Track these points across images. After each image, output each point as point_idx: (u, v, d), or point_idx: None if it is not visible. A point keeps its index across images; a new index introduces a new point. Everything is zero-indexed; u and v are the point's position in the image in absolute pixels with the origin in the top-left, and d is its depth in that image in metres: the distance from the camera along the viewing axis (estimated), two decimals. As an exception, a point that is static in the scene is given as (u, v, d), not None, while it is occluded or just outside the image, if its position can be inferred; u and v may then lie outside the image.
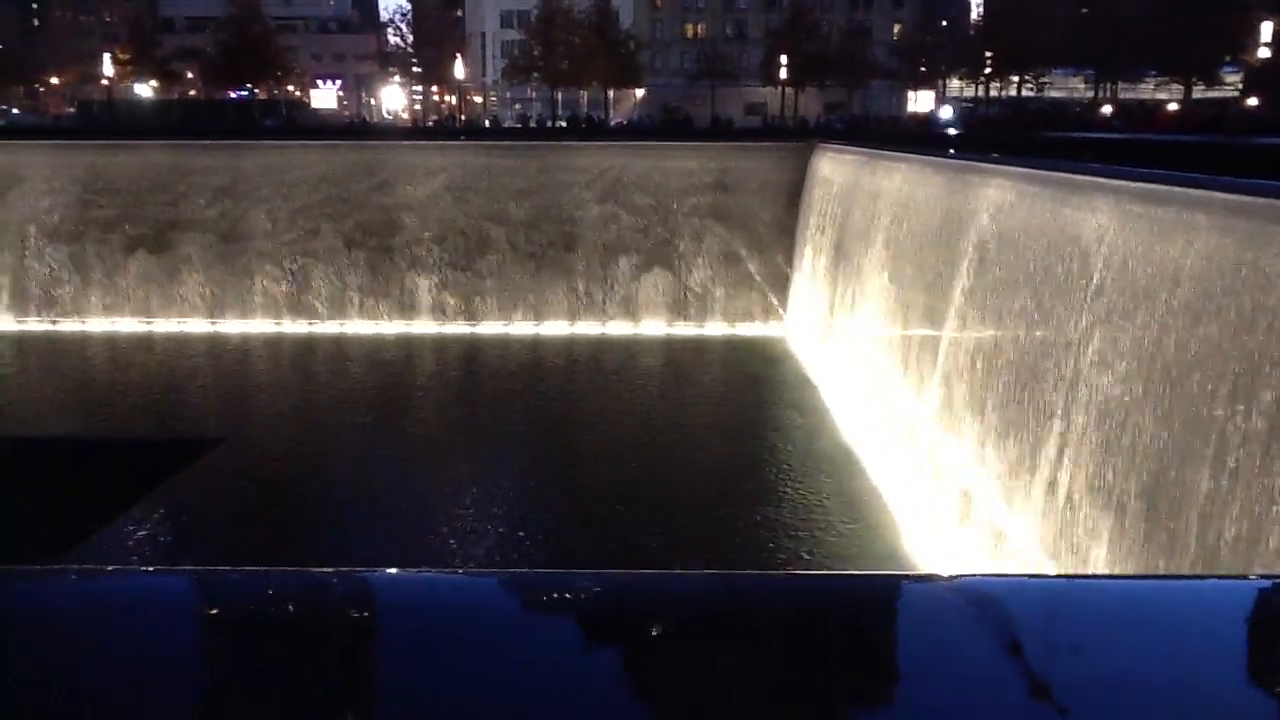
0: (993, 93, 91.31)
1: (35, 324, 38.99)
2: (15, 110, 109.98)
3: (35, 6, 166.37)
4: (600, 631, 2.35)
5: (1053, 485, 13.65)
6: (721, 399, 31.58)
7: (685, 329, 38.72)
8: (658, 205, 39.68)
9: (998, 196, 18.58)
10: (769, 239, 39.03)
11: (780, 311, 38.45)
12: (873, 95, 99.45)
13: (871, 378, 25.39)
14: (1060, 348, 14.14)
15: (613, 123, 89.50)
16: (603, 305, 39.26)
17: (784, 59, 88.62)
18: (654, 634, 2.36)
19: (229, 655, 2.19)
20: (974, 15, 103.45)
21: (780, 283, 38.52)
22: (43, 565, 2.46)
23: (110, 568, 2.39)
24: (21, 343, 37.54)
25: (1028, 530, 14.41)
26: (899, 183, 25.68)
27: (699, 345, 37.50)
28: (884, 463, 22.66)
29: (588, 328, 38.78)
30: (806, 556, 18.32)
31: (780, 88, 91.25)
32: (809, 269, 34.82)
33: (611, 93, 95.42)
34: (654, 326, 38.84)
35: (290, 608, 2.39)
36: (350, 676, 2.14)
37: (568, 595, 2.45)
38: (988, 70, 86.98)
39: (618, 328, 38.81)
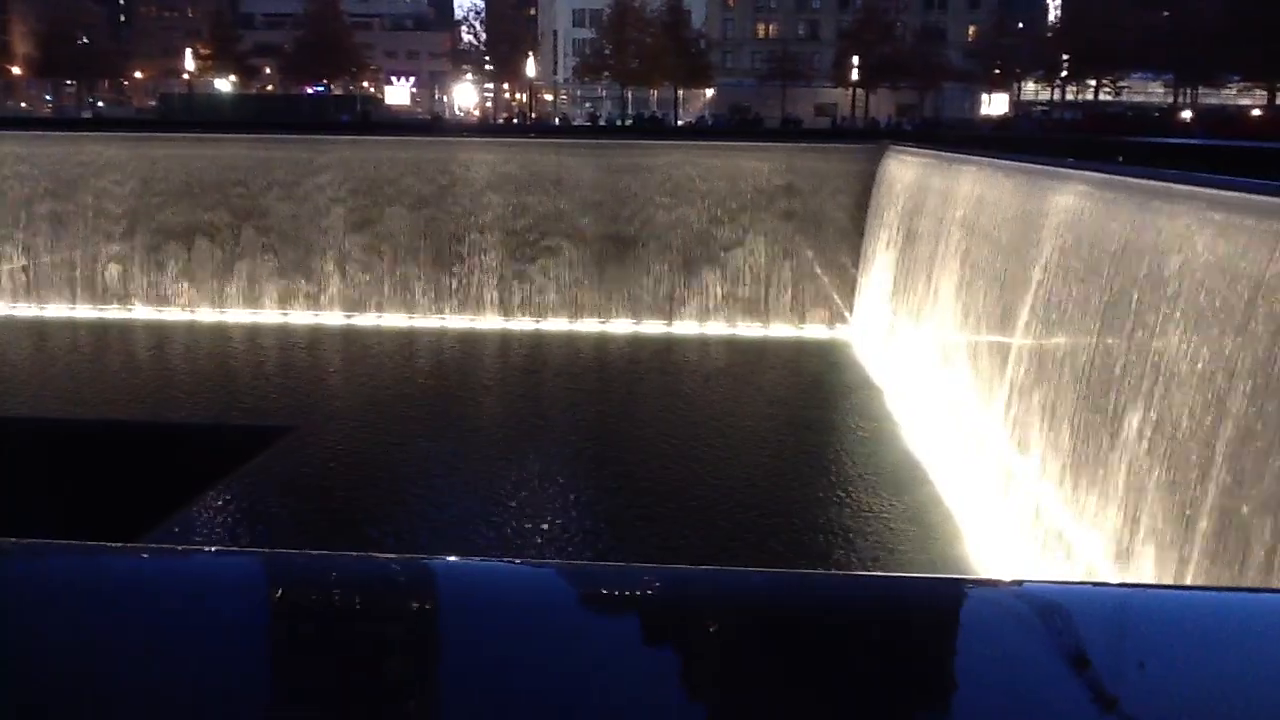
0: (1068, 96, 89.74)
1: (115, 311, 39.95)
2: (101, 103, 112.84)
3: (123, 3, 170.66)
4: (657, 626, 2.33)
5: (1124, 500, 13.38)
6: (784, 401, 31.41)
7: (750, 330, 38.58)
8: (725, 205, 39.58)
9: (1072, 202, 18.26)
10: (836, 241, 38.75)
11: (846, 314, 38.16)
12: (945, 98, 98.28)
13: (938, 384, 25.08)
14: (1136, 358, 13.85)
15: (681, 122, 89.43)
16: (668, 304, 39.26)
17: (856, 60, 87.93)
18: (712, 631, 2.35)
19: (291, 636, 2.22)
20: (1051, 17, 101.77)
21: (847, 285, 38.23)
22: (117, 544, 2.52)
23: (180, 548, 2.45)
24: (103, 329, 38.51)
25: (1097, 544, 14.15)
26: (971, 186, 25.34)
27: (763, 346, 37.34)
28: (950, 471, 22.36)
29: (652, 327, 38.81)
30: (859, 564, 18.15)
31: (851, 89, 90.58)
32: (877, 272, 34.50)
33: (681, 92, 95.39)
34: (718, 327, 38.76)
35: (353, 592, 2.41)
36: (408, 661, 2.16)
37: (626, 589, 2.45)
38: (1064, 73, 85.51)
39: (683, 327, 38.78)
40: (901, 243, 31.25)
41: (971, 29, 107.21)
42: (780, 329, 38.56)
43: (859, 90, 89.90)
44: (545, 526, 20.28)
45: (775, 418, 29.22)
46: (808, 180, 39.53)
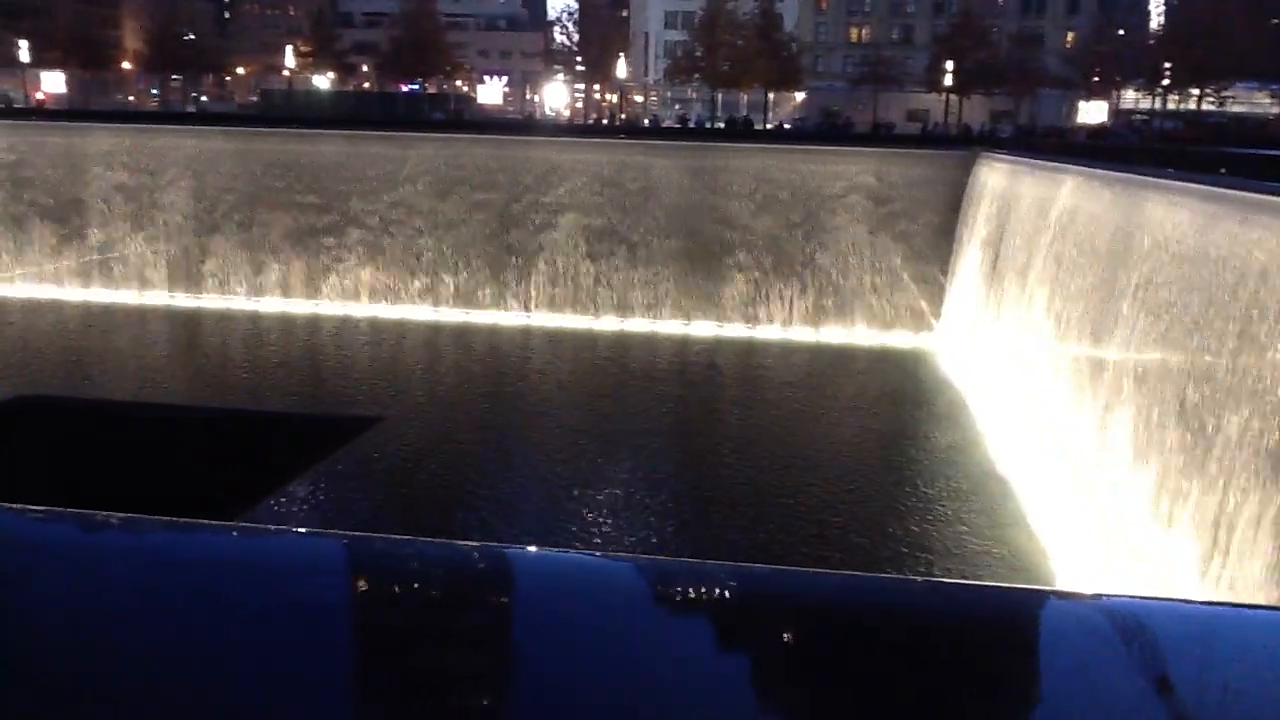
0: (1170, 105, 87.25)
1: (212, 300, 41.04)
2: (205, 98, 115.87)
3: (227, 1, 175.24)
4: (731, 624, 2.34)
5: (1221, 519, 13.00)
6: (867, 408, 31.09)
7: (833, 335, 38.26)
8: (812, 209, 39.31)
9: (1172, 214, 17.79)
10: (925, 248, 38.24)
11: (932, 322, 37.63)
12: (1041, 104, 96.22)
13: (1027, 396, 24.60)
14: (1239, 374, 13.45)
15: (770, 125, 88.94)
16: (751, 308, 39.12)
17: (950, 65, 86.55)
18: (784, 630, 2.34)
19: (372, 617, 2.28)
20: (1154, 24, 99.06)
21: (934, 293, 37.69)
22: (211, 521, 2.62)
23: (272, 528, 2.54)
24: (202, 318, 39.58)
25: (1188, 563, 13.77)
26: (1069, 196, 24.81)
27: (847, 352, 37.00)
28: (1034, 484, 21.91)
29: (735, 330, 38.70)
30: (936, 574, 17.88)
31: (944, 94, 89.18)
32: (966, 281, 33.96)
33: (771, 95, 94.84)
34: (802, 332, 38.50)
35: (433, 577, 2.47)
36: (482, 647, 2.21)
37: (701, 586, 2.44)
38: (1165, 82, 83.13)
39: (766, 331, 38.62)
40: (993, 251, 30.72)
41: (1070, 35, 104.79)
42: (864, 335, 38.17)
43: (952, 96, 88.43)
44: (622, 523, 20.36)
45: (857, 425, 28.94)
46: (897, 186, 39.08)
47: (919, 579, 2.57)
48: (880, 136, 65.29)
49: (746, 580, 2.51)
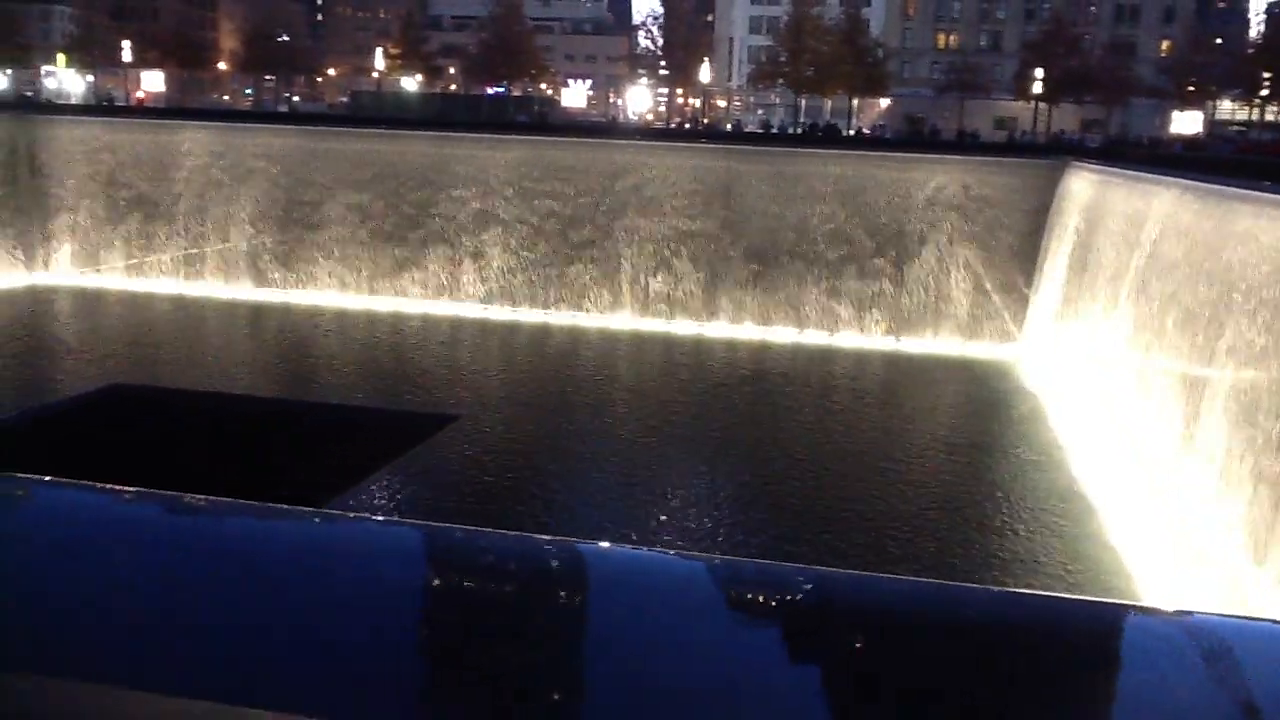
0: (1268, 116, 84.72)
1: (297, 295, 41.91)
2: (296, 98, 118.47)
3: (320, 3, 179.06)
4: (802, 627, 2.32)
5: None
6: (947, 419, 30.69)
7: (914, 344, 37.81)
8: (894, 216, 38.92)
9: (1273, 228, 17.27)
10: (1009, 257, 37.63)
11: (1015, 333, 37.00)
12: (1133, 114, 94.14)
13: (1113, 411, 24.06)
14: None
15: (854, 131, 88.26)
16: (831, 314, 38.84)
17: (1039, 72, 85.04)
18: (856, 636, 2.31)
19: (446, 606, 2.32)
20: (1253, 33, 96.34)
21: (1018, 304, 37.06)
22: (293, 507, 2.69)
23: (352, 515, 2.61)
24: (286, 312, 40.44)
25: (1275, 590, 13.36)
26: (1164, 208, 24.20)
27: (927, 362, 36.54)
28: (1118, 502, 21.41)
29: (814, 336, 38.46)
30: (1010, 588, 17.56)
31: (1033, 102, 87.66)
32: (1051, 292, 33.33)
33: (855, 101, 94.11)
34: (883, 341, 38.12)
35: (507, 568, 2.50)
36: (553, 642, 2.21)
37: (773, 588, 2.43)
38: (1264, 92, 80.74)
39: (845, 339, 38.31)
40: (1081, 263, 30.10)
41: (1165, 43, 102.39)
42: (945, 345, 37.67)
43: (1041, 104, 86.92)
44: (695, 526, 20.37)
45: (936, 435, 28.58)
46: (982, 194, 38.52)
47: (993, 588, 2.52)
48: (966, 144, 64.40)
49: (819, 583, 2.48)
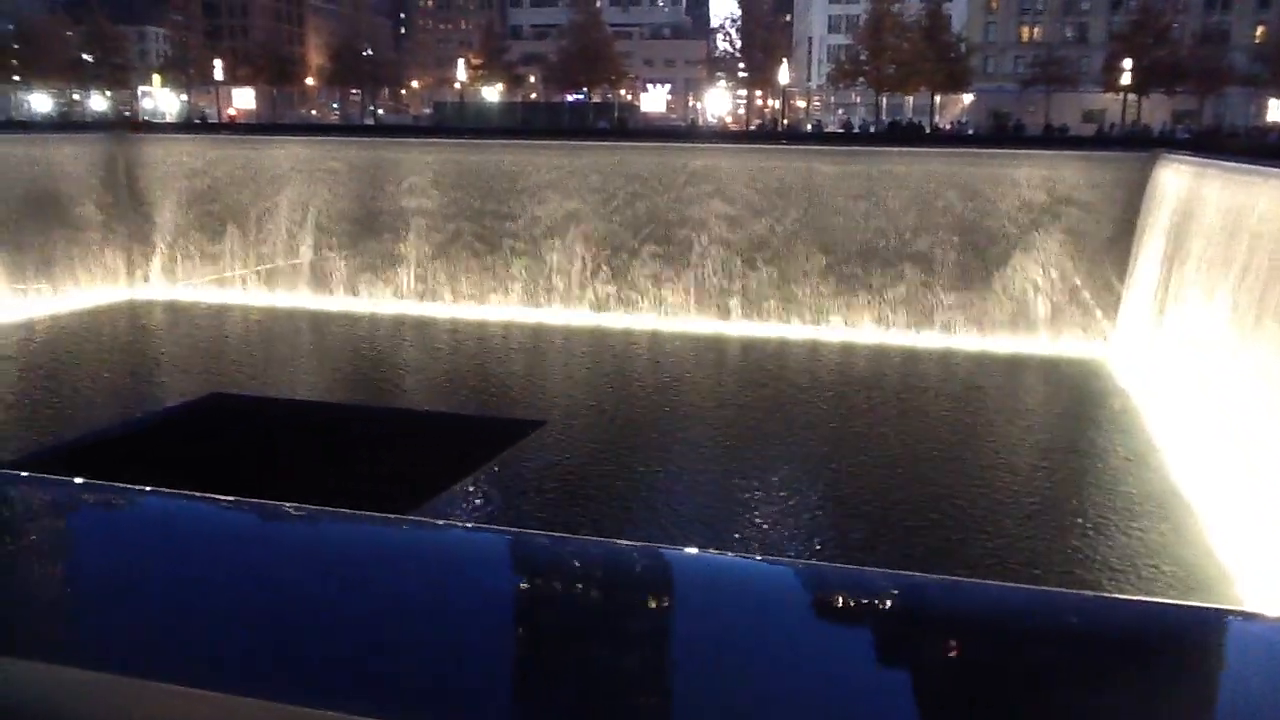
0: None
1: (385, 305, 42.72)
2: (381, 111, 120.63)
3: (403, 17, 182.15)
4: (891, 633, 2.31)
5: None
6: (1038, 420, 30.12)
7: (1001, 343, 37.17)
8: (979, 214, 38.32)
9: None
10: (1099, 254, 36.80)
11: (1106, 330, 36.17)
12: (1227, 103, 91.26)
13: (1211, 410, 23.40)
14: None
15: (938, 128, 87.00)
16: (915, 314, 38.39)
17: (1128, 63, 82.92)
18: (947, 642, 2.29)
19: (533, 613, 2.36)
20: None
21: (1109, 301, 36.22)
22: (382, 515, 2.80)
23: (440, 522, 2.63)
24: (375, 323, 41.25)
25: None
26: (1264, 200, 23.47)
27: (1015, 361, 35.90)
28: (1219, 505, 20.82)
29: (898, 337, 38.04)
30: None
31: (1122, 94, 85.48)
32: (1144, 288, 32.53)
33: (938, 98, 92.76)
34: (967, 340, 37.55)
35: (592, 574, 2.54)
36: (639, 646, 2.24)
37: (862, 593, 2.44)
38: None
39: (930, 339, 37.83)
40: (1176, 258, 29.32)
41: (1260, 29, 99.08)
42: (1034, 343, 36.96)
43: (1130, 96, 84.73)
44: (784, 531, 20.32)
45: (1026, 435, 28.08)
46: (1070, 189, 37.74)
47: (1088, 593, 2.50)
48: (1053, 139, 63.05)
49: (907, 588, 2.47)
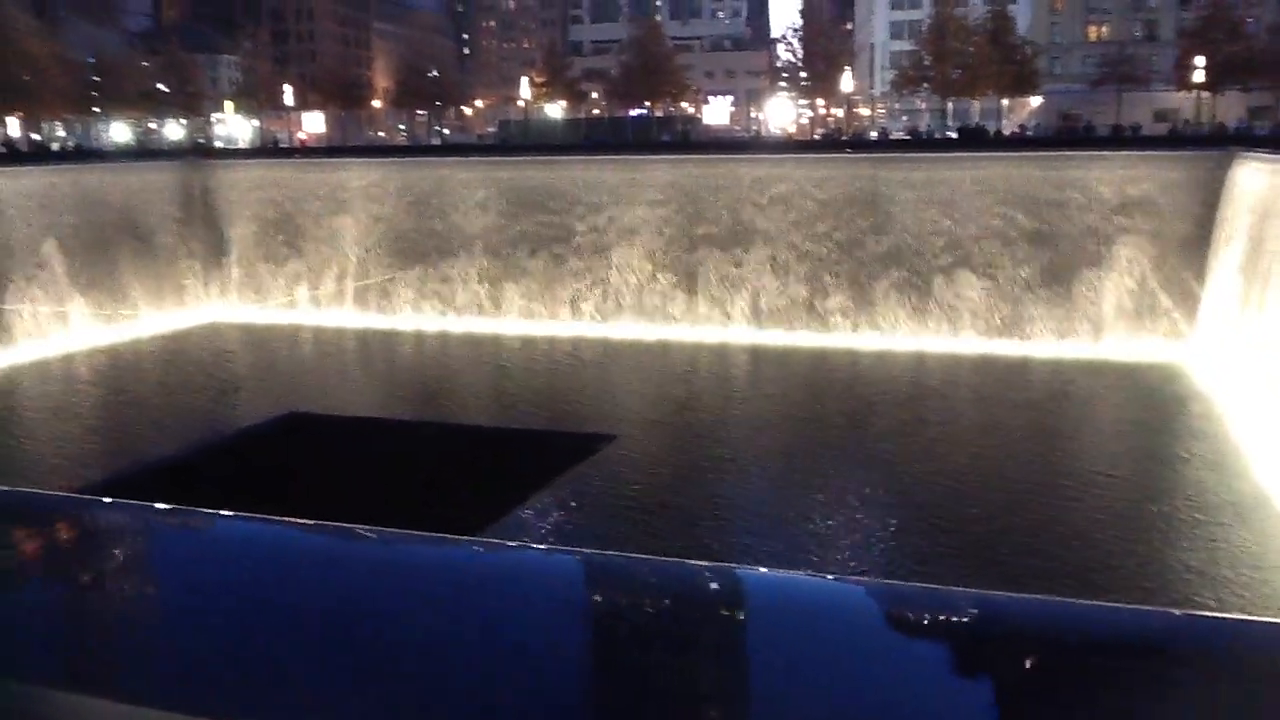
0: None
1: (454, 322, 43.21)
2: (447, 130, 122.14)
3: (467, 38, 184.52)
4: (967, 651, 2.27)
5: None
6: (1116, 426, 29.53)
7: (1077, 348, 36.49)
8: (1051, 217, 37.72)
9: None
10: (1175, 256, 36.01)
11: (1185, 333, 35.35)
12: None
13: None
14: None
15: (1006, 131, 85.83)
16: (989, 320, 37.86)
17: (1200, 60, 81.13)
18: (1029, 663, 2.24)
19: (606, 633, 2.36)
20: None
21: (1187, 304, 35.40)
22: (455, 536, 2.82)
23: (512, 544, 2.66)
24: (446, 340, 41.73)
25: None
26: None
27: (1092, 367, 35.21)
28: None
29: (972, 344, 37.51)
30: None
31: (1195, 92, 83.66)
32: (1223, 289, 31.76)
33: (1005, 101, 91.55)
34: (1041, 346, 36.92)
35: (664, 595, 2.52)
36: (711, 667, 2.25)
37: (935, 612, 2.40)
38: None
39: (1003, 346, 37.26)
40: (1257, 257, 28.59)
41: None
42: (1111, 348, 36.23)
43: (1203, 93, 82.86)
44: (859, 547, 20.14)
45: (1107, 443, 27.54)
46: (1144, 190, 37.00)
47: (1175, 611, 2.44)
48: (1124, 139, 61.88)
49: (984, 607, 2.41)
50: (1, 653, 2.22)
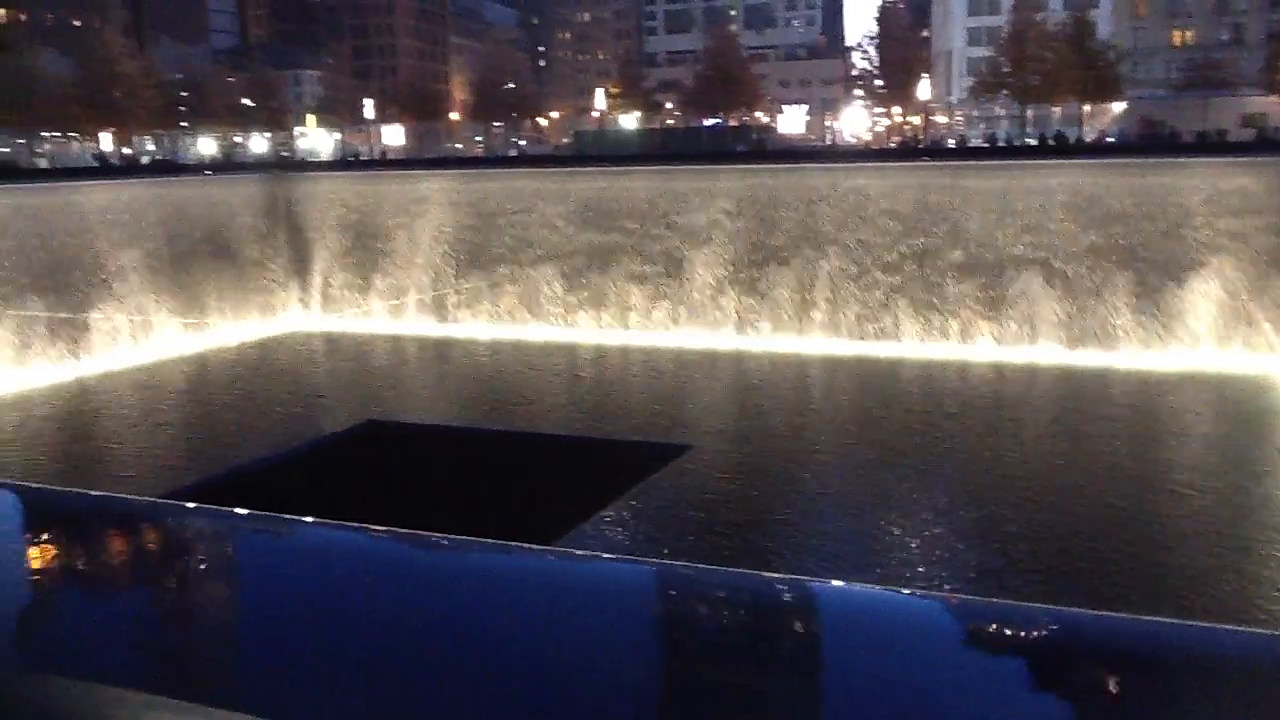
0: None
1: (530, 331, 43.56)
2: (523, 141, 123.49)
3: (542, 50, 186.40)
4: (1052, 673, 2.20)
5: None
6: (1211, 441, 28.66)
7: (1165, 359, 35.57)
8: (1136, 224, 36.91)
9: None
10: (1265, 264, 34.95)
11: (1278, 346, 34.29)
12: None
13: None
14: None
15: (1087, 138, 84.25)
16: (1071, 330, 37.11)
17: (1293, 63, 78.95)
18: (1114, 684, 2.18)
19: (677, 645, 2.35)
20: None
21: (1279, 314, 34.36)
22: (529, 545, 2.84)
23: (579, 553, 2.67)
24: (514, 349, 42.06)
25: None
26: None
27: (1182, 379, 34.21)
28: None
29: (1052, 355, 36.80)
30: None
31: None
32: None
33: (1087, 107, 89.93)
34: (1130, 356, 36.07)
35: (738, 607, 2.50)
36: (786, 680, 2.23)
37: (1014, 628, 2.35)
38: None
39: (1085, 357, 36.48)
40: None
41: None
42: (1201, 359, 35.23)
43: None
44: (942, 563, 19.84)
45: (1200, 458, 26.68)
46: (1231, 197, 36.01)
47: (1263, 631, 2.35)
48: (1211, 145, 60.39)
49: (1068, 625, 2.36)
50: (85, 654, 2.27)
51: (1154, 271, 36.42)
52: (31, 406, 30.34)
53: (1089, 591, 17.63)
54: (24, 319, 35.54)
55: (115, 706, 2.05)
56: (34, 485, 3.63)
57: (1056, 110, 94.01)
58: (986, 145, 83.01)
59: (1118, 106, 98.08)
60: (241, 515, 3.02)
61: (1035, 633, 2.32)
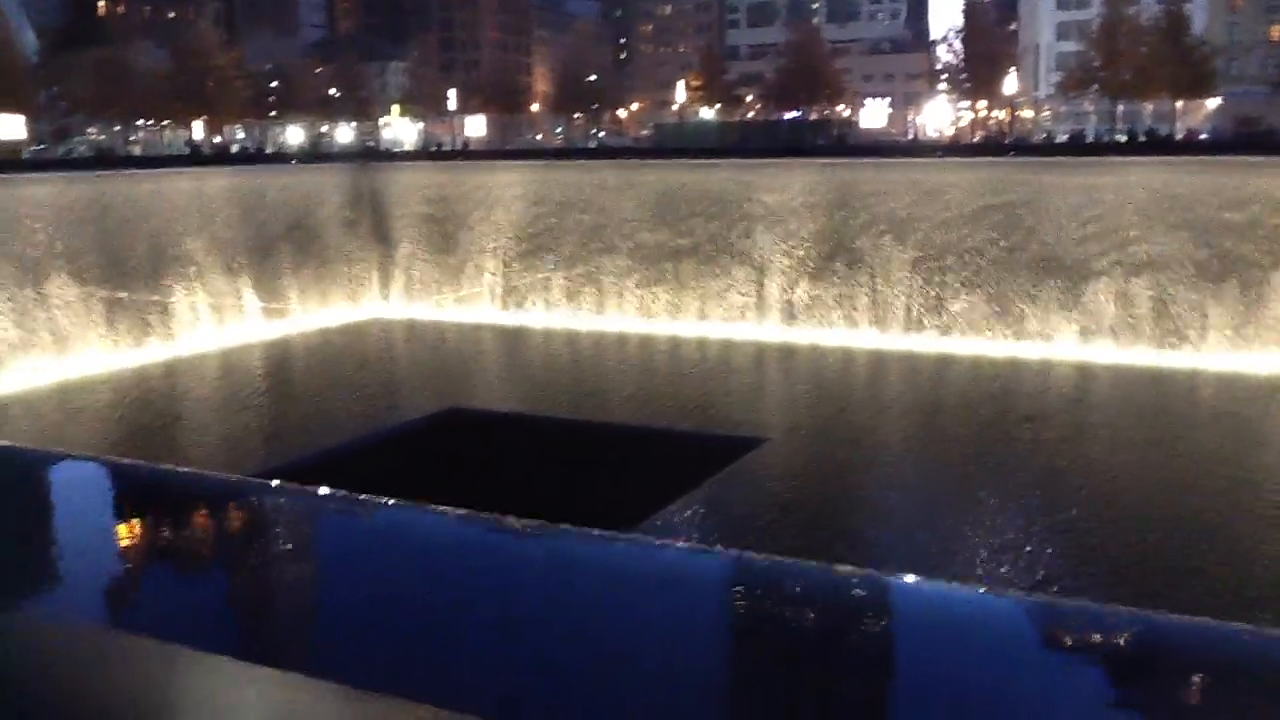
0: None
1: (607, 321, 43.75)
2: (603, 134, 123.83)
3: (623, 43, 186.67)
4: (1130, 677, 2.18)
5: None
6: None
7: (1251, 362, 34.56)
8: (1219, 224, 35.84)
9: None
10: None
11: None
12: None
13: None
14: None
15: (1179, 135, 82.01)
16: (1155, 332, 36.22)
17: (1401, 59, 75.94)
18: (1191, 689, 2.17)
19: (751, 637, 2.35)
20: None
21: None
22: (606, 532, 2.87)
23: (656, 541, 2.64)
24: (591, 339, 42.27)
25: None
26: None
27: (1269, 382, 33.29)
28: None
29: (1138, 356, 35.98)
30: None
31: (1393, 92, 78.40)
32: None
33: (1179, 104, 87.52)
34: (1214, 359, 35.09)
35: (808, 600, 2.51)
36: (855, 675, 2.22)
37: (1090, 630, 2.33)
38: None
39: (1172, 358, 35.58)
40: None
41: None
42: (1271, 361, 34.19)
43: (1403, 93, 77.66)
44: (1023, 565, 19.55)
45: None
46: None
47: None
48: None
49: (1148, 629, 2.30)
50: (179, 623, 2.39)
51: (1246, 273, 35.33)
52: (125, 388, 31.34)
53: (1190, 594, 17.23)
54: (117, 301, 36.64)
55: (202, 668, 2.16)
56: (137, 462, 3.77)
57: (1149, 106, 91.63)
58: (1074, 141, 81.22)
59: (1211, 103, 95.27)
60: (330, 495, 3.12)
61: (1112, 637, 2.29)
